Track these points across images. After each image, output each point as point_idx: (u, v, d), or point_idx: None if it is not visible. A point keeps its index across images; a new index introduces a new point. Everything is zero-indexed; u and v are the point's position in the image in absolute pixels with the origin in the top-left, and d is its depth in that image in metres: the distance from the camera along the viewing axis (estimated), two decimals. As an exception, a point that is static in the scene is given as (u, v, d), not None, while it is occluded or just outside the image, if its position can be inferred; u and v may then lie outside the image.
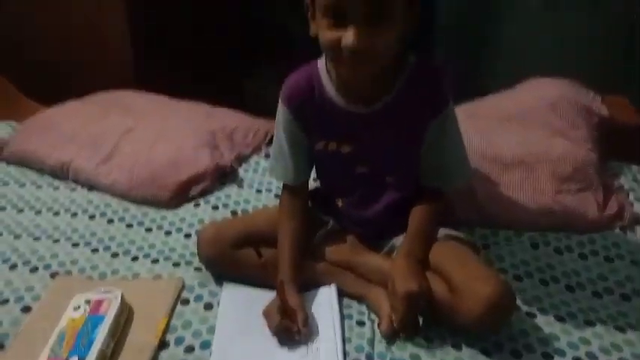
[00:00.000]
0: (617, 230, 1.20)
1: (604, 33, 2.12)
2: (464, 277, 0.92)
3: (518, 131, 1.36)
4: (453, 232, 1.06)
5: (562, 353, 0.94)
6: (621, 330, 0.98)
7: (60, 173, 1.47)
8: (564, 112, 1.38)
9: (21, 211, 1.36)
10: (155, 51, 1.93)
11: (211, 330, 1.00)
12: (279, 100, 1.05)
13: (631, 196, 1.29)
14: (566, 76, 1.54)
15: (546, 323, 0.99)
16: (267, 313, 0.98)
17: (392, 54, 0.93)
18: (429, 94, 0.98)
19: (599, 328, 0.98)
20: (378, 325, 0.98)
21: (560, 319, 1.00)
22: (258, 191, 1.38)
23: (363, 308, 1.03)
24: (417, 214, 1.04)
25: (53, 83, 1.90)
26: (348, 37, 0.86)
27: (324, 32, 0.89)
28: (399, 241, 1.08)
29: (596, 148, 1.33)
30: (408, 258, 0.98)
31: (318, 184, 1.17)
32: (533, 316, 1.01)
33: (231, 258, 1.07)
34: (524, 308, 1.01)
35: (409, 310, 0.93)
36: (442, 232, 1.05)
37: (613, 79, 2.03)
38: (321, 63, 1.02)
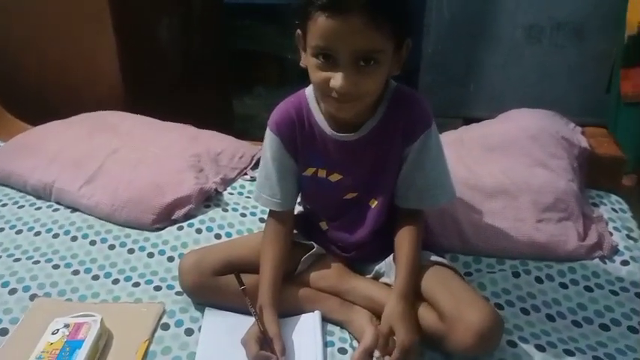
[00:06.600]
0: (597, 260, 1.21)
1: (585, 67, 2.19)
2: (454, 305, 0.94)
3: (500, 161, 1.38)
4: (437, 258, 1.07)
5: (542, 383, 0.94)
6: (599, 360, 0.99)
7: (42, 194, 1.46)
8: (545, 142, 1.40)
9: (1, 230, 1.34)
10: (144, 71, 1.94)
11: (191, 356, 0.99)
12: (268, 128, 1.06)
13: (610, 226, 1.30)
14: (548, 107, 1.57)
15: (527, 352, 1.00)
16: (245, 343, 0.97)
17: (378, 92, 0.96)
18: (411, 116, 1.00)
19: (578, 358, 0.99)
20: None
21: (540, 348, 1.01)
22: (243, 215, 1.38)
23: (346, 335, 1.03)
24: (404, 243, 1.03)
25: (40, 102, 1.88)
26: (337, 79, 0.88)
27: (313, 70, 0.91)
28: (382, 268, 1.09)
29: (576, 179, 1.35)
30: (404, 301, 0.97)
31: (301, 208, 1.18)
32: (514, 344, 1.01)
33: (213, 286, 1.06)
34: (505, 337, 1.01)
35: (411, 358, 0.93)
36: (426, 255, 1.06)
37: (594, 110, 2.09)
38: (310, 91, 1.04)
